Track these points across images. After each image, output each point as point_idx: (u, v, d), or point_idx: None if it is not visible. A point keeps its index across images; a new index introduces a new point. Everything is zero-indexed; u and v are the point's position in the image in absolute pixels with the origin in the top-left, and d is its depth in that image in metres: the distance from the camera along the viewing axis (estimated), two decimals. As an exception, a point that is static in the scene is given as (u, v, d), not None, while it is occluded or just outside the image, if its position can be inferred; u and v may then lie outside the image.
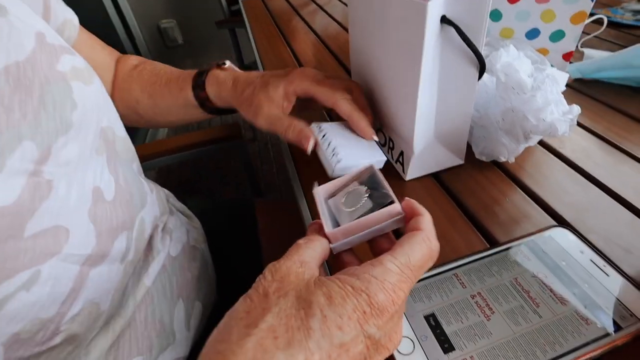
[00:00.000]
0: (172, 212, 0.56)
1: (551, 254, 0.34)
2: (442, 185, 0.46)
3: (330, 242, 0.27)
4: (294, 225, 0.72)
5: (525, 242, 0.35)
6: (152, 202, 0.47)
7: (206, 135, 0.93)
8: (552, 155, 0.48)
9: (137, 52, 2.27)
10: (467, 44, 0.35)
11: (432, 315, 0.31)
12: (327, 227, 0.27)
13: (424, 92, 0.37)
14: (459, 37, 0.34)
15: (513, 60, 0.36)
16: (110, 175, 0.39)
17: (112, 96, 0.54)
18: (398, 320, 0.23)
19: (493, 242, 0.38)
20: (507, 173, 0.46)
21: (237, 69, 0.52)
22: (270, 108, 0.43)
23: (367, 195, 0.29)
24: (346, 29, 1.00)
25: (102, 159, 0.38)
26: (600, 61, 0.60)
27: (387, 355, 0.22)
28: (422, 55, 0.34)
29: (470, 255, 0.35)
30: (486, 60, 0.36)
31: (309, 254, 0.24)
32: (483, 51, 0.36)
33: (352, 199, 0.29)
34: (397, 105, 0.41)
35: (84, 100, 0.35)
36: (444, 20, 0.33)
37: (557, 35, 0.54)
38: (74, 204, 0.33)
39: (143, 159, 0.96)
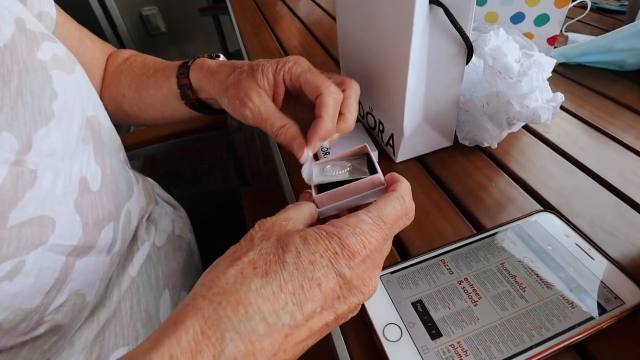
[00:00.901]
0: (157, 202, 0.54)
1: (537, 238, 0.34)
2: (428, 171, 0.45)
3: (317, 206, 0.29)
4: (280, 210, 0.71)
5: (511, 227, 0.35)
6: (139, 192, 0.46)
7: (191, 124, 0.91)
8: (537, 140, 0.48)
9: (119, 41, 2.20)
10: (454, 26, 0.34)
11: (420, 301, 0.30)
12: (314, 192, 0.30)
13: (413, 74, 0.36)
14: (447, 19, 0.34)
15: (502, 44, 0.35)
16: (96, 165, 0.37)
17: (101, 94, 0.51)
18: (372, 267, 0.24)
19: (480, 228, 0.37)
20: (493, 158, 0.46)
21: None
22: (261, 98, 0.36)
23: (350, 165, 0.31)
24: (330, 15, 0.99)
25: (89, 148, 0.37)
26: (583, 45, 0.60)
27: (361, 299, 0.23)
28: (411, 36, 0.33)
29: (457, 242, 0.35)
30: (474, 44, 0.36)
31: (295, 213, 0.27)
32: (471, 35, 0.35)
33: (335, 168, 0.31)
34: (387, 88, 0.41)
35: (65, 89, 0.34)
36: (433, 0, 0.33)
37: (542, 19, 0.54)
38: (60, 194, 0.32)
39: (128, 148, 0.93)
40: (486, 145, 0.46)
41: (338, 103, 0.35)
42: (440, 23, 0.35)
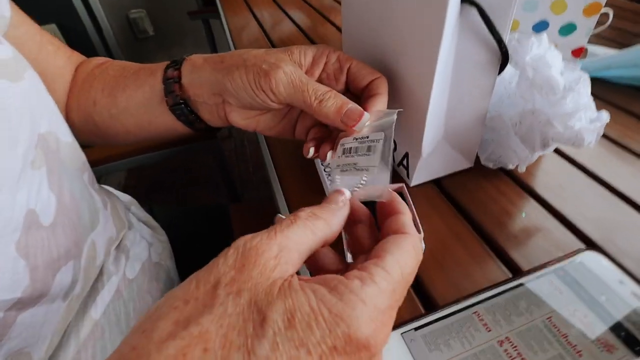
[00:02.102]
0: (130, 225, 0.47)
1: (586, 285, 0.28)
2: (447, 196, 0.40)
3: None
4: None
5: (554, 271, 0.30)
6: (106, 219, 0.39)
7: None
8: (567, 163, 0.43)
9: (105, 45, 2.12)
10: (489, 29, 0.29)
11: (453, 370, 0.24)
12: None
13: (437, 86, 0.30)
14: (481, 21, 0.28)
15: (545, 53, 0.30)
16: (50, 192, 0.30)
17: (68, 105, 0.43)
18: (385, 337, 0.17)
19: (514, 269, 0.32)
20: (519, 182, 0.41)
21: None
22: (295, 68, 0.31)
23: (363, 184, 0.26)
24: (327, 18, 0.93)
25: (40, 173, 0.30)
26: (608, 59, 0.56)
27: None
28: (440, 41, 0.27)
29: (490, 288, 0.29)
30: (511, 51, 0.30)
31: (298, 237, 0.18)
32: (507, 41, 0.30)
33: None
34: (404, 101, 0.35)
35: (7, 101, 0.27)
36: (465, -1, 0.27)
37: (568, 29, 0.49)
38: None
39: (107, 160, 0.87)
40: (511, 167, 0.41)
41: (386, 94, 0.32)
42: (472, 26, 0.30)
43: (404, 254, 0.19)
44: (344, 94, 0.32)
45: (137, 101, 0.39)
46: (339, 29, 0.87)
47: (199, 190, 1.76)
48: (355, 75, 0.32)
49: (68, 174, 0.34)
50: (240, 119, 0.36)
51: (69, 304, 0.32)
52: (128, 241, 0.44)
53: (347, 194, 0.23)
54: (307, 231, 0.19)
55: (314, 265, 0.23)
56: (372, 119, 0.29)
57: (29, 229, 0.27)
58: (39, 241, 0.28)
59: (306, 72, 0.33)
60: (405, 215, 0.22)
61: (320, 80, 0.34)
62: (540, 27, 0.50)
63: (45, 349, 0.30)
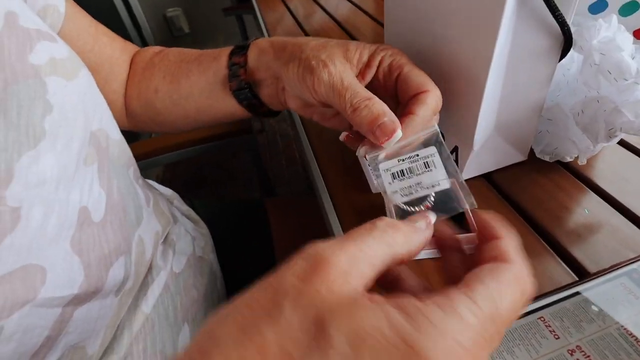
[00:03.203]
0: (175, 219, 0.48)
1: (665, 289, 0.26)
2: (499, 190, 0.37)
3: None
4: (311, 225, 0.65)
5: (626, 273, 0.27)
6: (149, 215, 0.40)
7: (215, 130, 0.85)
8: (630, 153, 0.39)
9: (144, 42, 2.19)
10: (551, 11, 0.26)
11: (518, 379, 0.23)
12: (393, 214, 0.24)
13: (493, 75, 0.28)
14: (542, 2, 0.26)
15: (615, 36, 0.27)
16: (101, 189, 0.31)
17: (127, 95, 0.45)
18: None
19: (580, 271, 0.29)
20: (577, 175, 0.38)
21: None
22: (345, 68, 0.29)
23: (432, 201, 0.24)
24: (364, 11, 0.91)
25: (92, 169, 0.30)
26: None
27: None
28: (498, 25, 0.25)
29: (556, 291, 0.27)
30: (575, 34, 0.28)
31: (373, 250, 0.16)
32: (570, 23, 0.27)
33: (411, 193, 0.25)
34: (454, 91, 0.33)
35: (63, 100, 0.27)
36: (527, -22, 0.25)
37: (630, 8, 0.45)
38: (51, 233, 0.26)
39: (147, 155, 0.89)
40: (569, 160, 0.38)
41: (436, 110, 0.29)
42: (532, 7, 0.27)
43: (501, 285, 0.16)
44: (393, 101, 0.30)
45: (200, 86, 0.40)
46: (373, 19, 0.85)
47: (232, 184, 1.79)
48: (402, 84, 0.30)
49: (116, 170, 0.34)
50: (297, 106, 0.37)
51: (120, 298, 0.33)
52: (174, 235, 0.45)
53: (433, 217, 0.20)
54: (383, 244, 0.17)
55: (388, 284, 0.21)
56: (407, 134, 0.27)
57: (81, 225, 0.28)
58: (91, 238, 0.29)
59: (359, 73, 0.31)
60: (507, 240, 0.19)
61: (372, 84, 0.32)
62: (598, 7, 0.46)
63: (100, 342, 0.31)
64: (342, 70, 0.29)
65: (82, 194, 0.28)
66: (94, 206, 0.30)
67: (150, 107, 0.43)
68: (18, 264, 0.23)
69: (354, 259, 0.15)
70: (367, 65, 0.31)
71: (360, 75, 0.31)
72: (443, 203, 0.23)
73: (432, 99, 0.28)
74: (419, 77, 0.29)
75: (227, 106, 0.40)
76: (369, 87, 0.30)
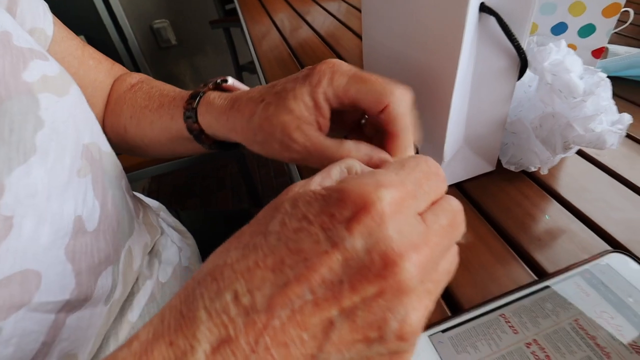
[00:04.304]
0: (162, 231, 0.50)
1: (613, 287, 0.29)
2: (469, 199, 0.40)
3: None
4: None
5: (579, 273, 0.30)
6: (140, 226, 0.41)
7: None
8: (590, 164, 0.42)
9: (130, 54, 2.19)
10: (508, 37, 0.29)
11: (480, 370, 0.25)
12: None
13: (458, 92, 0.31)
14: (500, 29, 0.29)
15: (564, 58, 0.30)
16: (95, 200, 0.32)
17: (103, 123, 0.45)
18: (405, 224, 0.16)
19: (539, 271, 0.32)
20: (541, 184, 0.41)
21: (242, 86, 0.38)
22: (305, 133, 0.27)
23: None
24: (349, 27, 0.95)
25: (86, 181, 0.32)
26: (630, 58, 0.55)
27: (390, 295, 0.15)
28: (460, 48, 0.28)
29: (516, 290, 0.29)
30: (529, 57, 0.31)
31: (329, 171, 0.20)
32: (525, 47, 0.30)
33: None
34: (425, 107, 0.36)
35: (55, 115, 0.29)
36: (484, 8, 0.28)
37: (587, 30, 0.49)
38: (46, 241, 0.27)
39: (134, 168, 0.90)
40: (533, 169, 0.41)
41: (409, 106, 0.27)
42: (490, 33, 0.30)
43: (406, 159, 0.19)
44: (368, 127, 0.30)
45: (166, 137, 0.40)
46: (356, 34, 0.88)
47: (220, 195, 1.79)
48: (360, 105, 0.27)
49: (110, 182, 0.36)
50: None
51: (109, 308, 0.34)
52: (160, 246, 0.46)
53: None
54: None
55: None
56: (401, 154, 0.27)
57: (76, 234, 0.29)
58: (84, 246, 0.30)
59: (315, 115, 0.28)
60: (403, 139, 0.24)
61: (334, 115, 0.29)
62: (559, 29, 0.50)
63: (89, 351, 0.32)
64: (304, 140, 0.27)
65: (77, 205, 0.30)
66: (88, 216, 0.31)
67: (123, 140, 0.44)
68: (16, 269, 0.24)
69: (307, 182, 0.19)
70: (316, 106, 0.27)
71: (318, 115, 0.28)
72: None
73: (399, 105, 0.26)
74: (371, 93, 0.26)
75: (202, 148, 0.39)
76: (335, 117, 0.29)
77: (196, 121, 0.35)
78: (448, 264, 0.18)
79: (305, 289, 0.15)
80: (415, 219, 0.16)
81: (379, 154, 0.26)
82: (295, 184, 0.19)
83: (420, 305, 0.16)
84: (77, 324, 0.30)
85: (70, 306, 0.29)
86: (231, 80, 0.37)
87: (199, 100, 0.35)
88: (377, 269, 0.15)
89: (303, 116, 0.27)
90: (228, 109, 0.32)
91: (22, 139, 0.26)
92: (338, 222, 0.15)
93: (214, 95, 0.34)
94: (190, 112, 0.35)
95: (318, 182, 0.19)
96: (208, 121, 0.34)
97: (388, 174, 0.17)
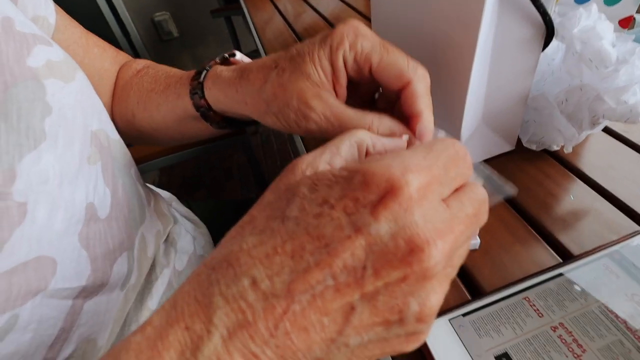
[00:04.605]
0: (175, 220, 0.49)
1: (645, 268, 0.27)
2: (487, 181, 0.38)
3: None
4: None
5: (608, 254, 0.28)
6: (151, 214, 0.40)
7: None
8: (616, 141, 0.40)
9: (132, 48, 2.18)
10: (533, 2, 0.27)
11: (506, 355, 0.24)
12: None
13: (478, 65, 0.29)
14: (523, -5, 0.27)
15: (595, 24, 0.28)
16: (105, 187, 0.32)
17: (112, 110, 0.44)
18: (431, 210, 0.15)
19: (565, 254, 0.30)
20: (564, 163, 0.39)
21: (248, 59, 0.36)
22: (323, 101, 0.25)
23: None
24: (354, 8, 0.92)
25: (96, 168, 0.31)
26: (656, 29, 0.52)
27: (414, 279, 0.15)
28: (480, 18, 0.26)
29: (541, 273, 0.28)
30: (556, 24, 0.29)
31: (348, 148, 0.20)
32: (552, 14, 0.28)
33: None
34: (440, 83, 0.34)
35: (62, 101, 0.28)
36: (506, -29, 0.26)
37: (614, -2, 0.46)
38: (60, 228, 0.26)
39: (141, 161, 0.89)
40: (556, 148, 0.39)
41: (429, 88, 0.25)
42: (514, 0, 0.28)
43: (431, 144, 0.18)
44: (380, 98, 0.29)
45: (174, 119, 0.39)
46: (363, 16, 0.86)
47: (229, 185, 1.79)
48: (380, 79, 0.25)
49: (119, 169, 0.35)
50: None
51: (126, 293, 0.33)
52: (175, 235, 0.45)
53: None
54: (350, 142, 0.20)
55: None
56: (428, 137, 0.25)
57: (89, 221, 0.29)
58: (97, 233, 0.30)
59: (332, 82, 0.26)
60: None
61: (349, 84, 0.27)
62: (584, -3, 0.47)
63: (107, 336, 0.32)
64: (324, 109, 0.25)
65: (88, 192, 0.29)
66: (99, 203, 0.31)
67: (131, 127, 0.42)
68: (32, 255, 0.24)
69: (334, 152, 0.19)
70: (334, 71, 0.25)
71: (335, 82, 0.26)
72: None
73: (420, 85, 0.24)
74: (393, 68, 0.24)
75: (210, 129, 0.38)
76: (348, 88, 0.27)
77: (203, 97, 0.33)
78: (465, 251, 0.18)
79: (326, 274, 0.14)
80: (441, 205, 0.16)
81: (402, 129, 0.25)
82: (300, 159, 0.18)
83: (440, 288, 0.16)
84: (95, 309, 0.30)
85: (87, 292, 0.29)
86: (239, 55, 0.35)
87: (205, 75, 0.33)
88: (402, 254, 0.14)
89: (322, 82, 0.25)
90: (237, 79, 0.30)
91: (30, 125, 0.25)
92: (362, 206, 0.15)
93: (221, 69, 0.32)
94: (196, 88, 0.33)
95: (327, 160, 0.18)
96: (215, 95, 0.32)
97: (415, 156, 0.16)
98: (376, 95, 0.30)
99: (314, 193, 0.16)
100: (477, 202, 0.17)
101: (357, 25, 0.25)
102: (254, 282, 0.15)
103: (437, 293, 0.16)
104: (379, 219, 0.14)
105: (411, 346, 0.16)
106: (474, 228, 0.17)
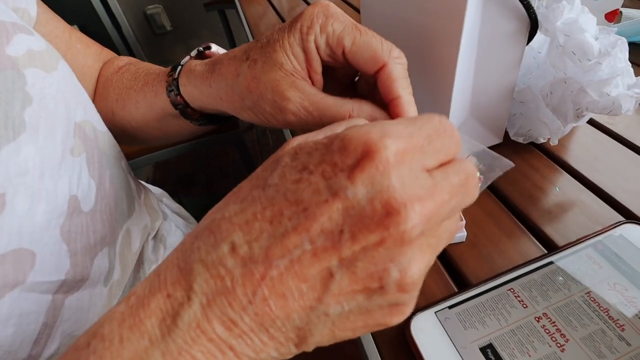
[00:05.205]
0: (165, 216, 0.49)
1: (626, 258, 0.27)
2: (475, 174, 0.39)
3: None
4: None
5: (591, 244, 0.29)
6: (140, 208, 0.40)
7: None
8: (602, 134, 0.41)
9: (125, 42, 2.15)
10: (516, -4, 0.27)
11: (490, 346, 0.24)
12: None
13: (463, 59, 0.29)
14: (507, -12, 0.27)
15: (578, 17, 0.28)
16: (90, 179, 0.31)
17: (95, 106, 0.44)
18: (409, 176, 0.15)
19: (550, 245, 0.31)
20: (550, 155, 0.39)
21: (224, 50, 0.35)
22: (299, 90, 0.24)
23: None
24: (345, 1, 0.92)
25: (80, 160, 0.31)
26: (643, 22, 0.52)
27: (390, 242, 0.14)
28: (464, 11, 0.26)
29: (525, 264, 0.28)
30: (540, 17, 0.29)
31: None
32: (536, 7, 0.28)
33: None
34: (427, 77, 0.34)
35: (43, 91, 0.28)
36: (489, -35, 0.26)
37: (599, -8, 0.46)
38: (41, 220, 0.26)
39: (134, 155, 0.89)
40: (542, 141, 0.39)
41: (406, 68, 0.24)
42: (497, -6, 0.28)
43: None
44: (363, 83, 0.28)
45: (153, 116, 0.37)
46: (353, 8, 0.85)
47: (223, 181, 1.79)
48: (354, 63, 0.24)
49: (108, 161, 0.35)
50: None
51: (110, 289, 0.33)
52: (164, 231, 0.45)
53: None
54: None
55: None
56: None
57: (71, 214, 0.29)
58: (79, 227, 0.30)
59: (307, 69, 0.25)
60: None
61: (325, 69, 0.26)
62: (570, -9, 0.47)
63: None
64: (301, 99, 0.24)
65: (71, 184, 0.29)
66: (83, 196, 0.30)
67: (112, 125, 0.41)
68: (10, 247, 0.24)
69: (307, 137, 0.19)
70: (307, 58, 0.24)
71: (310, 69, 0.25)
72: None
73: (395, 67, 0.24)
74: (367, 51, 0.23)
75: (194, 128, 0.37)
76: (325, 73, 0.26)
77: (179, 93, 0.32)
78: (452, 225, 0.17)
79: (304, 238, 0.15)
80: (422, 173, 0.16)
81: (383, 115, 0.25)
82: (295, 138, 0.18)
83: (421, 257, 0.15)
84: (77, 305, 0.29)
85: (67, 287, 0.29)
86: (215, 47, 0.34)
87: (180, 71, 0.32)
88: (378, 217, 0.14)
89: (296, 70, 0.24)
90: (209, 74, 0.29)
91: (9, 115, 0.25)
92: (340, 171, 0.15)
93: (195, 63, 0.31)
94: (171, 84, 0.32)
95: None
96: (190, 92, 0.31)
97: (396, 125, 0.16)
98: (356, 79, 0.29)
99: (295, 161, 0.16)
100: (464, 173, 0.17)
101: (326, 5, 0.24)
102: (233, 248, 0.15)
103: (417, 261, 0.15)
104: (356, 183, 0.14)
105: (395, 319, 0.17)
106: (460, 200, 0.16)
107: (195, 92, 0.31)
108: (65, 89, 0.31)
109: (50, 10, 0.41)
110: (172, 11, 2.21)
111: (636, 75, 0.32)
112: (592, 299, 0.25)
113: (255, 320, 0.15)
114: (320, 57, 0.24)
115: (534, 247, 0.31)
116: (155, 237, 0.44)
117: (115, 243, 0.34)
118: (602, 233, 0.29)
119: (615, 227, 0.30)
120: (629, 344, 0.23)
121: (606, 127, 0.41)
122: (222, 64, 0.28)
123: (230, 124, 0.86)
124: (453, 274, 0.30)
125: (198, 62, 0.32)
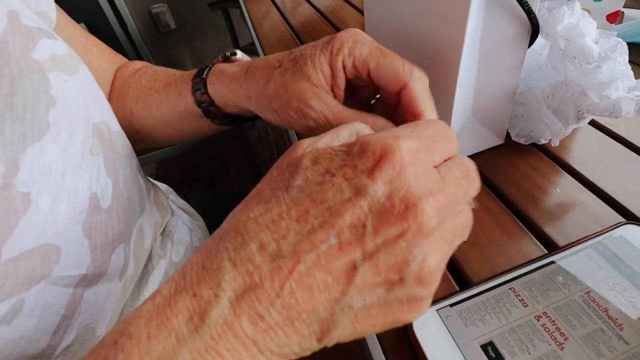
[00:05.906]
0: (172, 212, 0.50)
1: (626, 258, 0.28)
2: (478, 173, 0.39)
3: None
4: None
5: (592, 245, 0.29)
6: (151, 205, 0.41)
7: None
8: (603, 135, 0.41)
9: (130, 40, 2.17)
10: (518, 0, 0.28)
11: (491, 344, 0.25)
12: None
13: (465, 62, 0.30)
14: (509, -7, 0.27)
15: (578, 22, 0.29)
16: (107, 178, 0.33)
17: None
18: (422, 173, 0.17)
19: (550, 245, 0.31)
20: (551, 156, 0.40)
21: (248, 57, 0.38)
22: (322, 101, 0.27)
23: None
24: (349, 3, 0.92)
25: (98, 159, 0.32)
26: (646, 23, 0.52)
27: (412, 235, 0.16)
28: (467, 14, 0.27)
29: (526, 264, 0.29)
30: (541, 22, 0.29)
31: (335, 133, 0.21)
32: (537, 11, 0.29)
33: None
34: (431, 79, 0.34)
35: (65, 94, 0.29)
36: (492, -30, 0.26)
37: (602, -7, 0.47)
38: (64, 217, 0.27)
39: (139, 153, 0.90)
40: (543, 142, 0.40)
41: (427, 87, 0.27)
42: (500, -2, 0.29)
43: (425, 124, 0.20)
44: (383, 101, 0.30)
45: (175, 117, 0.40)
46: (358, 10, 0.86)
47: (226, 177, 1.80)
48: (378, 83, 0.27)
49: (121, 160, 0.36)
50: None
51: (124, 284, 0.34)
52: (172, 227, 0.46)
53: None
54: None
55: None
56: None
57: (92, 211, 0.30)
58: (99, 223, 0.31)
59: (331, 84, 0.28)
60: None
61: (349, 86, 0.29)
62: (572, -7, 0.47)
63: (106, 325, 0.33)
64: (322, 108, 0.27)
65: (91, 182, 0.30)
66: (102, 194, 0.32)
67: (129, 126, 0.43)
68: (38, 242, 0.25)
69: (315, 140, 0.20)
70: (333, 75, 0.27)
71: (334, 85, 0.28)
72: None
73: (418, 86, 0.26)
74: (391, 69, 0.26)
75: (210, 126, 0.39)
76: (347, 92, 0.29)
77: (205, 92, 0.35)
78: (463, 220, 0.19)
79: (330, 234, 0.16)
80: (431, 169, 0.17)
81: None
82: (302, 141, 0.19)
83: (438, 250, 0.17)
84: (95, 298, 0.31)
85: (87, 281, 0.30)
86: (240, 54, 0.37)
87: (208, 72, 0.35)
88: (398, 212, 0.16)
89: (321, 84, 0.27)
90: (242, 75, 0.32)
91: (35, 117, 0.26)
92: (360, 172, 0.16)
93: (224, 65, 0.34)
94: (199, 84, 0.35)
95: (327, 143, 0.19)
96: (219, 90, 0.34)
97: (404, 129, 0.18)
98: (372, 102, 0.31)
99: (316, 165, 0.17)
100: (465, 167, 0.19)
101: (356, 32, 0.27)
102: (262, 246, 0.16)
103: (435, 254, 0.16)
104: (376, 181, 0.16)
105: (413, 315, 0.17)
106: (465, 192, 0.18)
107: (223, 91, 0.34)
108: (86, 91, 0.32)
109: (67, 15, 0.42)
110: (176, 10, 2.22)
111: (636, 77, 0.32)
112: (591, 298, 0.26)
113: (282, 313, 0.15)
114: (346, 75, 0.27)
115: (535, 247, 0.31)
116: (162, 232, 0.45)
117: (130, 239, 0.35)
118: (602, 234, 0.30)
119: (615, 228, 0.30)
120: (627, 343, 0.24)
121: (608, 129, 0.42)
122: (256, 68, 0.31)
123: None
124: (455, 273, 0.31)
125: (227, 64, 0.34)
